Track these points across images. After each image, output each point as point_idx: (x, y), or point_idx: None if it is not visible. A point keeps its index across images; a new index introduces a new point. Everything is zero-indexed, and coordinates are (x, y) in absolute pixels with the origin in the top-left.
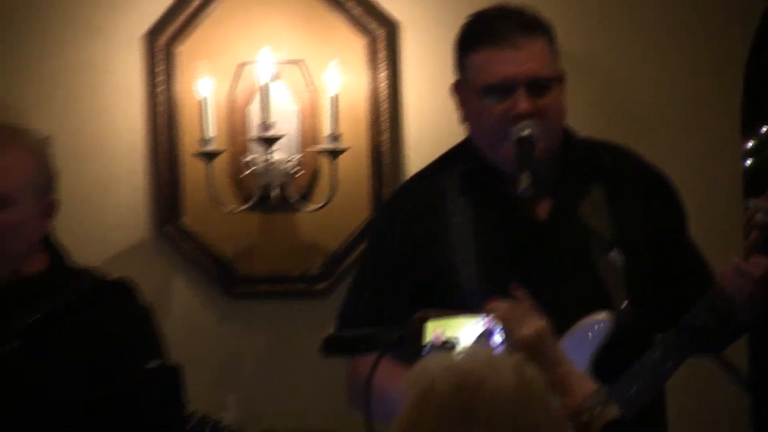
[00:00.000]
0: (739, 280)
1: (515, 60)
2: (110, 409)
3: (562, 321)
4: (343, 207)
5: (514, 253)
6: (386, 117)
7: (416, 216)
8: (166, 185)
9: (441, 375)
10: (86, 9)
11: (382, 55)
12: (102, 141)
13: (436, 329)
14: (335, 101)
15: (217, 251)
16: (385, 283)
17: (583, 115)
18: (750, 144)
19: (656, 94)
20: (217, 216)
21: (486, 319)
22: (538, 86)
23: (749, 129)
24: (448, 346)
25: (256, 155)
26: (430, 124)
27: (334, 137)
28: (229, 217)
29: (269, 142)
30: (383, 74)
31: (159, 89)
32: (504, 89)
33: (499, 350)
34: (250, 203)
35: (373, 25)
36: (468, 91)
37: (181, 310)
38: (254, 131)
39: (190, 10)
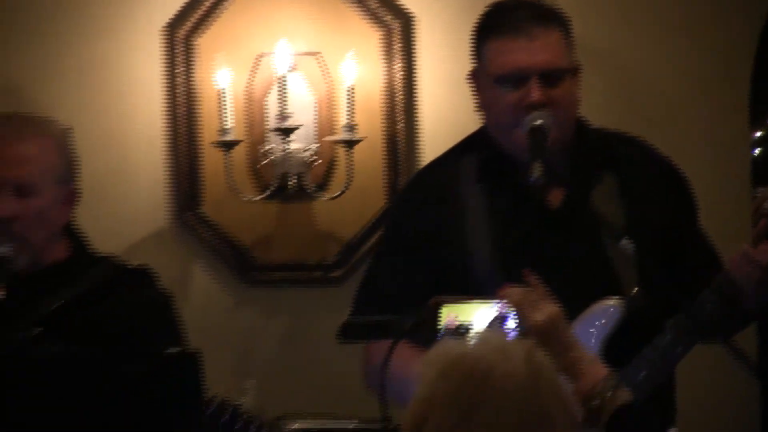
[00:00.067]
0: (747, 267)
1: (529, 50)
2: (130, 395)
3: (574, 307)
4: (358, 196)
5: (528, 240)
6: (401, 107)
7: (431, 203)
8: (186, 174)
9: (453, 361)
10: (107, 2)
11: (397, 46)
12: (123, 131)
13: (450, 314)
14: (351, 92)
15: (235, 239)
16: (401, 269)
17: (597, 107)
18: (758, 134)
19: (667, 86)
20: (235, 205)
21: (499, 305)
22: (551, 77)
23: (757, 119)
24: (461, 330)
25: (273, 145)
26: (445, 114)
27: (350, 127)
28: (247, 206)
29: (286, 132)
30: (398, 65)
31: (178, 80)
32: (517, 79)
33: (512, 335)
34: (268, 192)
35: (388, 18)
36: (483, 79)
37: (200, 297)
38: (272, 121)
39: (209, 2)
